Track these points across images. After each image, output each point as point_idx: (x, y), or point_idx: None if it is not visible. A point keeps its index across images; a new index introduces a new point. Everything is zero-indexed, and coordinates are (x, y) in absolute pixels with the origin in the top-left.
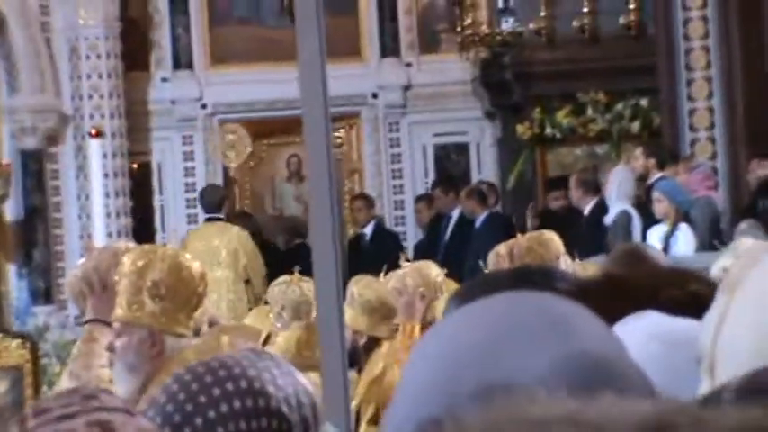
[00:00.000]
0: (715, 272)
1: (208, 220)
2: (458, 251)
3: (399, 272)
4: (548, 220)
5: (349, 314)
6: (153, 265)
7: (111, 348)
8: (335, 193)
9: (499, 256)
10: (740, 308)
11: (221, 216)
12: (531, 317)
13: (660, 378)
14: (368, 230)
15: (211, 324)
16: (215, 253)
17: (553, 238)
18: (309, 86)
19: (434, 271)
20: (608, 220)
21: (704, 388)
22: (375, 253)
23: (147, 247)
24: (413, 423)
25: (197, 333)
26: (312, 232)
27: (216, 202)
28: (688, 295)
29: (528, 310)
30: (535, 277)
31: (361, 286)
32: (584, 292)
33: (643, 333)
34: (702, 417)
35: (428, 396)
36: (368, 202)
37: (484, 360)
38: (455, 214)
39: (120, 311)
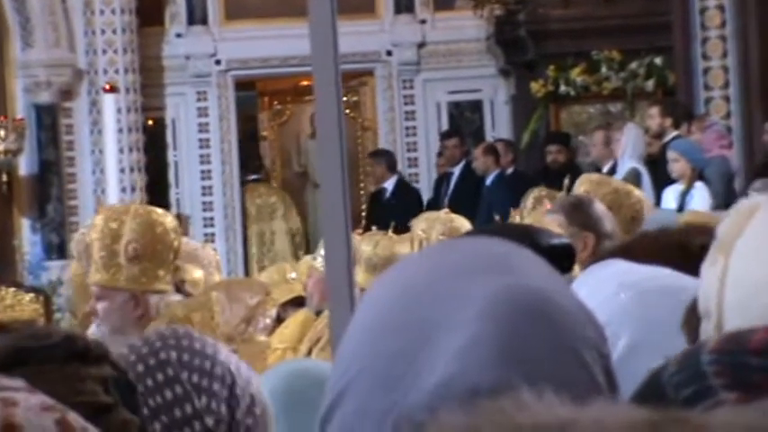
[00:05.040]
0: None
1: None
2: (464, 207)
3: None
4: (548, 177)
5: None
6: (126, 226)
7: (93, 312)
8: (345, 151)
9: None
10: (745, 258)
11: None
12: (470, 257)
13: (632, 326)
14: (389, 185)
15: None
16: None
17: (637, 192)
18: (320, 43)
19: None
20: (617, 177)
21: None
22: (395, 208)
23: (117, 207)
24: (359, 363)
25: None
26: (321, 189)
27: None
28: None
29: (467, 251)
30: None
31: (365, 242)
32: (624, 251)
33: (612, 283)
34: (697, 423)
35: (373, 337)
36: (389, 157)
37: (421, 298)
38: (457, 171)
39: (97, 275)
